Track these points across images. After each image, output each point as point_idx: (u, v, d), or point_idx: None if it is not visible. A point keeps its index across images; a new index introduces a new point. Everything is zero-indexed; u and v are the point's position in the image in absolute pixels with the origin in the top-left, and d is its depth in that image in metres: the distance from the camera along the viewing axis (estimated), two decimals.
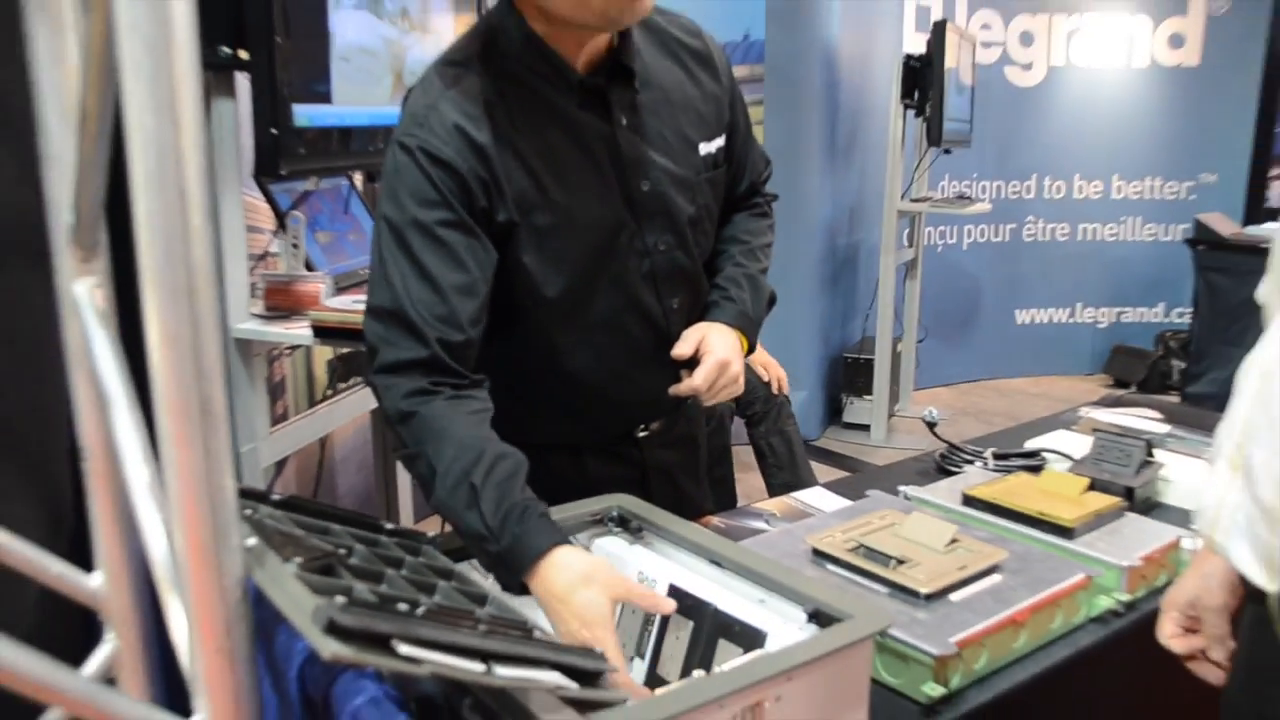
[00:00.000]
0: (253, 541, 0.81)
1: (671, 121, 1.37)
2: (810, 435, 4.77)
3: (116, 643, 1.06)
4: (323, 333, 1.80)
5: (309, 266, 2.08)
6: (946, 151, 4.57)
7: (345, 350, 2.60)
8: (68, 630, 1.17)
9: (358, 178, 2.44)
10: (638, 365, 1.41)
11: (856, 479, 1.84)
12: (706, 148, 1.41)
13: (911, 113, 4.49)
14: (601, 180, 1.32)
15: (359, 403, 2.47)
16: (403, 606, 0.73)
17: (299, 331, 1.86)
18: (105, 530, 1.03)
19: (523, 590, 1.09)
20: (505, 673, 0.75)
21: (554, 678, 0.79)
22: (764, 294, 1.49)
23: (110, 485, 1.01)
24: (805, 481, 3.11)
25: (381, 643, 0.69)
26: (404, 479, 2.53)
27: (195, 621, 0.75)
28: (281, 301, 1.95)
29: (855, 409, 4.93)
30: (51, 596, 1.06)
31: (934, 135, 4.36)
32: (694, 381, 1.33)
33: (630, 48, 1.32)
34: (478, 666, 0.73)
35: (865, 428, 4.88)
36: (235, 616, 0.74)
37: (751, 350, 1.45)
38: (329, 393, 2.79)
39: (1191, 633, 1.10)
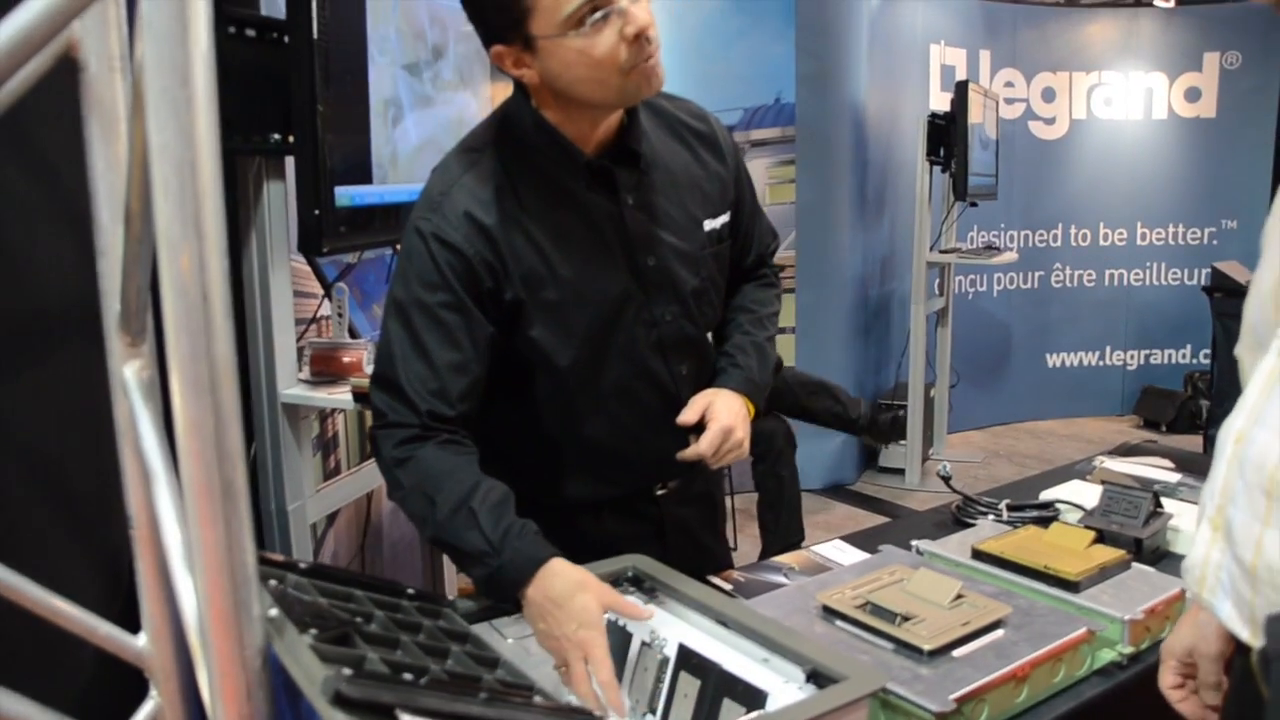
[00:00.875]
0: (274, 612, 0.87)
1: (677, 200, 1.44)
2: (846, 480, 4.84)
3: (159, 699, 1.14)
4: (362, 399, 1.89)
5: (354, 334, 2.18)
6: (972, 204, 4.64)
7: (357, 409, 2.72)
8: (122, 686, 1.24)
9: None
10: (650, 428, 1.48)
11: (875, 531, 1.88)
12: (711, 224, 1.48)
13: (938, 168, 4.56)
14: (609, 256, 1.40)
15: None
16: (408, 676, 0.79)
17: (342, 396, 1.95)
18: (150, 594, 1.10)
19: (515, 607, 1.21)
20: None
21: None
22: (770, 360, 1.55)
23: (153, 552, 1.08)
24: (787, 523, 3.36)
25: (386, 712, 0.75)
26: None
27: (217, 688, 0.80)
28: (326, 368, 2.06)
29: (890, 454, 4.97)
30: (107, 655, 1.13)
31: (959, 190, 4.43)
32: (699, 448, 1.39)
33: (637, 132, 1.40)
34: None
35: (900, 472, 4.93)
36: (255, 683, 0.80)
37: (758, 414, 1.50)
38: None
39: (1190, 678, 1.12)
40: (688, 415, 1.42)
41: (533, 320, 1.38)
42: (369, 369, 1.96)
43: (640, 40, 1.26)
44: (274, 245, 1.85)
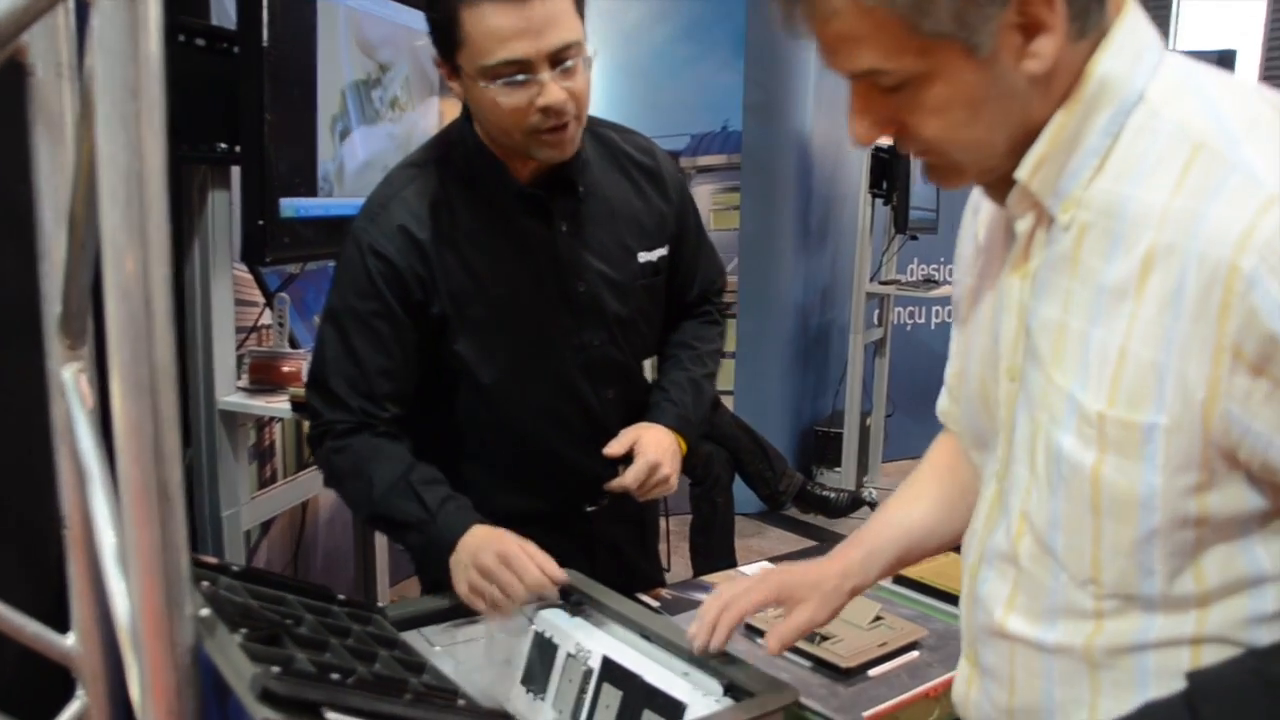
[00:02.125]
0: (206, 612, 0.89)
1: (612, 230, 1.49)
2: (768, 508, 4.88)
3: (86, 700, 1.14)
4: (300, 408, 1.91)
5: (294, 344, 2.19)
6: (913, 238, 4.74)
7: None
8: (47, 686, 1.24)
9: None
10: (576, 448, 1.52)
11: (801, 555, 1.93)
12: (646, 256, 1.52)
13: (880, 201, 4.66)
14: (539, 279, 1.45)
15: None
16: (335, 676, 0.81)
17: (280, 405, 1.96)
18: (80, 594, 1.11)
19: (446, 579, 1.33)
20: None
21: None
22: (706, 397, 1.57)
23: (85, 553, 1.09)
24: (718, 547, 3.44)
25: (312, 710, 0.77)
26: (380, 542, 2.60)
27: (147, 685, 0.82)
28: (265, 376, 2.07)
29: (825, 480, 5.01)
30: (31, 654, 1.13)
31: (900, 223, 4.53)
32: (624, 480, 1.43)
33: (576, 162, 1.44)
34: None
35: None
36: (185, 681, 0.81)
37: (689, 451, 1.53)
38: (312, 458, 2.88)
39: None
40: (614, 447, 1.46)
41: (458, 335, 1.43)
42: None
43: (549, 112, 1.31)
44: (217, 253, 1.86)
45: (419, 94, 2.37)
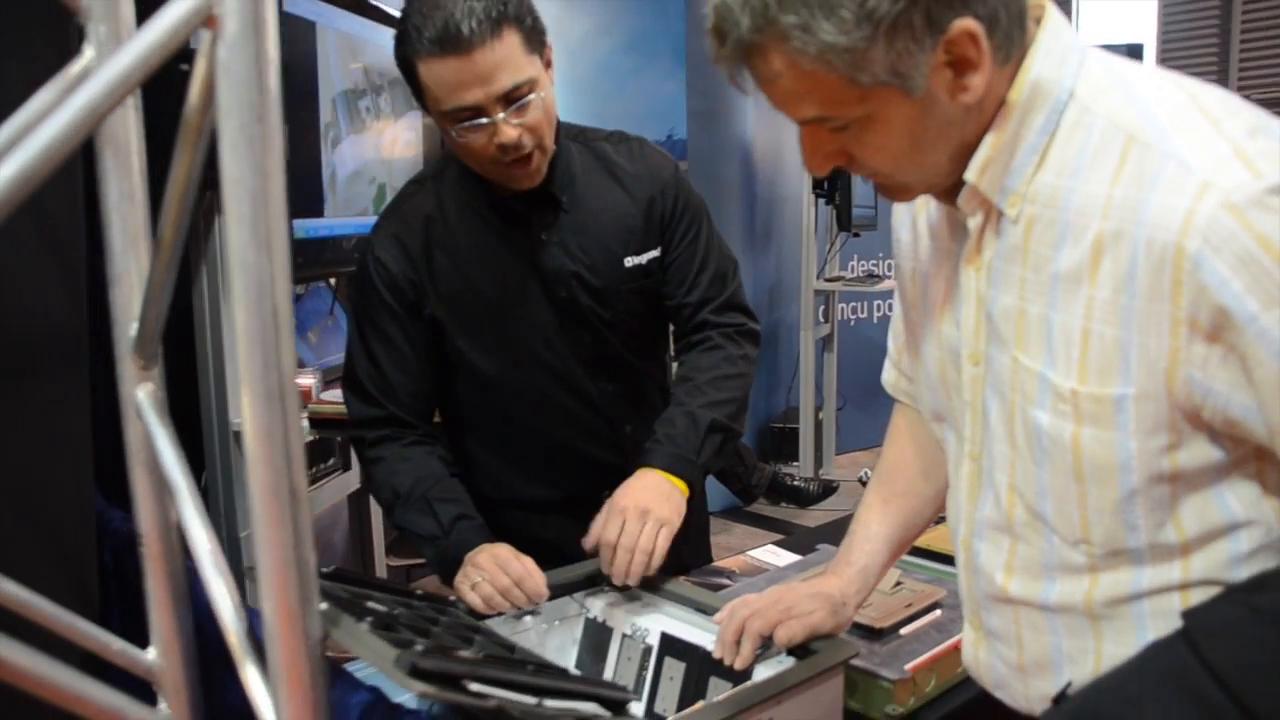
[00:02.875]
0: (324, 606, 0.94)
1: (598, 238, 1.57)
2: (742, 502, 4.98)
3: (168, 712, 1.17)
4: (316, 424, 1.94)
5: (300, 363, 2.22)
6: (856, 235, 4.89)
7: (312, 437, 2.73)
8: None
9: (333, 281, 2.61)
10: (583, 439, 1.62)
11: (802, 536, 2.01)
12: (635, 260, 1.59)
13: (822, 201, 4.80)
14: (526, 285, 1.54)
15: (338, 487, 2.58)
16: (463, 652, 0.88)
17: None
18: (160, 608, 1.14)
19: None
20: (554, 704, 0.89)
21: (591, 708, 0.93)
22: (701, 426, 1.51)
23: (165, 566, 1.12)
24: (694, 547, 3.34)
25: (454, 682, 0.83)
26: (378, 553, 2.64)
27: (282, 677, 0.86)
28: None
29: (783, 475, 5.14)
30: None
31: (844, 221, 4.68)
32: (592, 535, 1.41)
33: (558, 177, 1.53)
34: (532, 700, 0.87)
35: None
36: (317, 672, 0.87)
37: (692, 489, 1.49)
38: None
39: None
40: (587, 542, 1.42)
41: (457, 333, 1.54)
42: (319, 396, 2.01)
43: (506, 150, 1.39)
44: (225, 276, 1.88)
45: (400, 108, 2.42)
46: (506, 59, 1.34)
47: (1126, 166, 0.82)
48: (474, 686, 0.82)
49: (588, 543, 1.41)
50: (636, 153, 1.65)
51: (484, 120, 1.36)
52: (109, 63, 0.76)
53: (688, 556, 1.75)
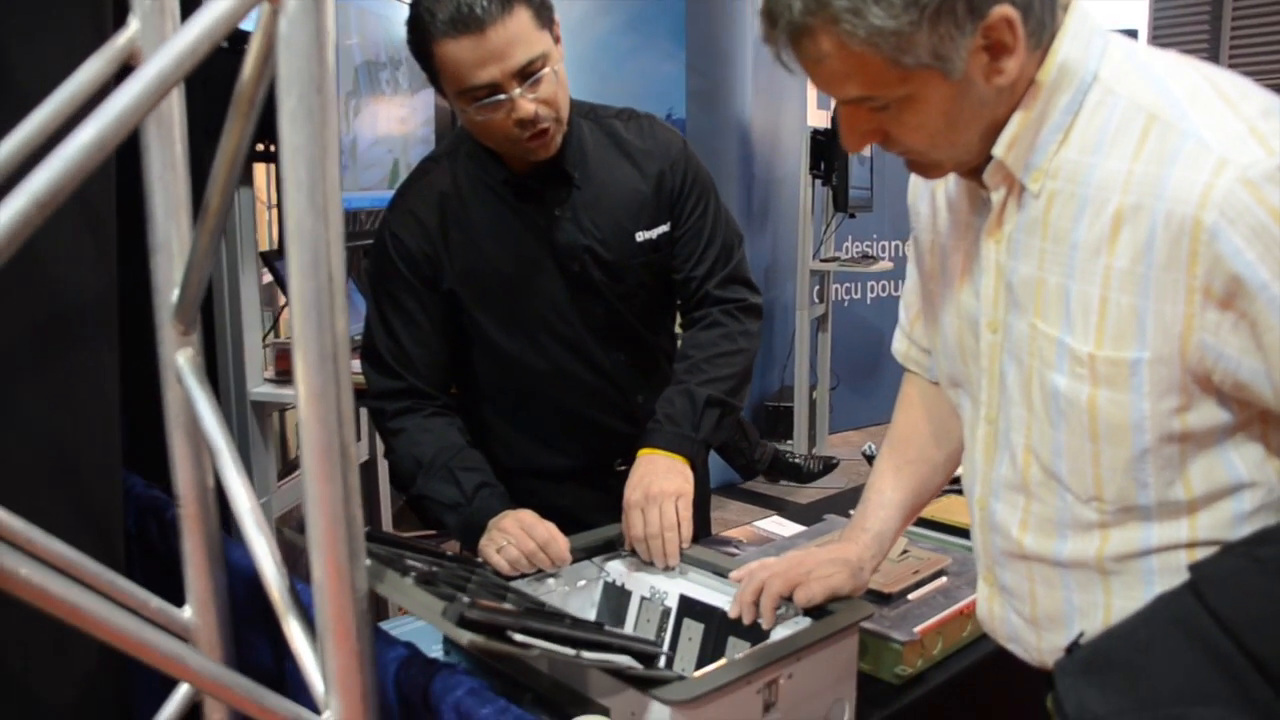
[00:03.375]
0: (369, 563, 0.98)
1: (609, 213, 1.60)
2: (737, 479, 5.03)
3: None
4: None
5: None
6: (851, 216, 4.93)
7: None
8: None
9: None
10: (595, 408, 1.66)
11: (808, 508, 2.06)
12: (645, 235, 1.63)
13: (819, 182, 4.84)
14: (538, 260, 1.58)
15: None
16: (508, 605, 0.91)
17: None
18: (196, 568, 1.18)
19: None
20: (591, 656, 0.93)
21: (625, 660, 0.98)
22: (699, 403, 1.55)
23: (202, 528, 1.16)
24: (696, 521, 3.38)
25: (499, 633, 0.87)
26: (386, 524, 2.67)
27: (330, 628, 0.90)
28: (286, 366, 2.10)
29: None
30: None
31: (840, 202, 4.71)
32: (627, 540, 1.45)
33: (570, 153, 1.57)
34: (570, 651, 0.91)
35: None
36: (363, 622, 0.90)
37: (693, 464, 1.54)
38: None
39: None
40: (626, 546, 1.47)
41: (473, 306, 1.58)
42: None
43: (524, 125, 1.43)
44: (243, 249, 1.92)
45: (416, 85, 2.45)
46: (519, 35, 1.37)
47: (1147, 144, 0.87)
48: (518, 637, 0.86)
49: (627, 547, 1.45)
50: (646, 129, 1.68)
51: (501, 97, 1.39)
52: (170, 41, 0.79)
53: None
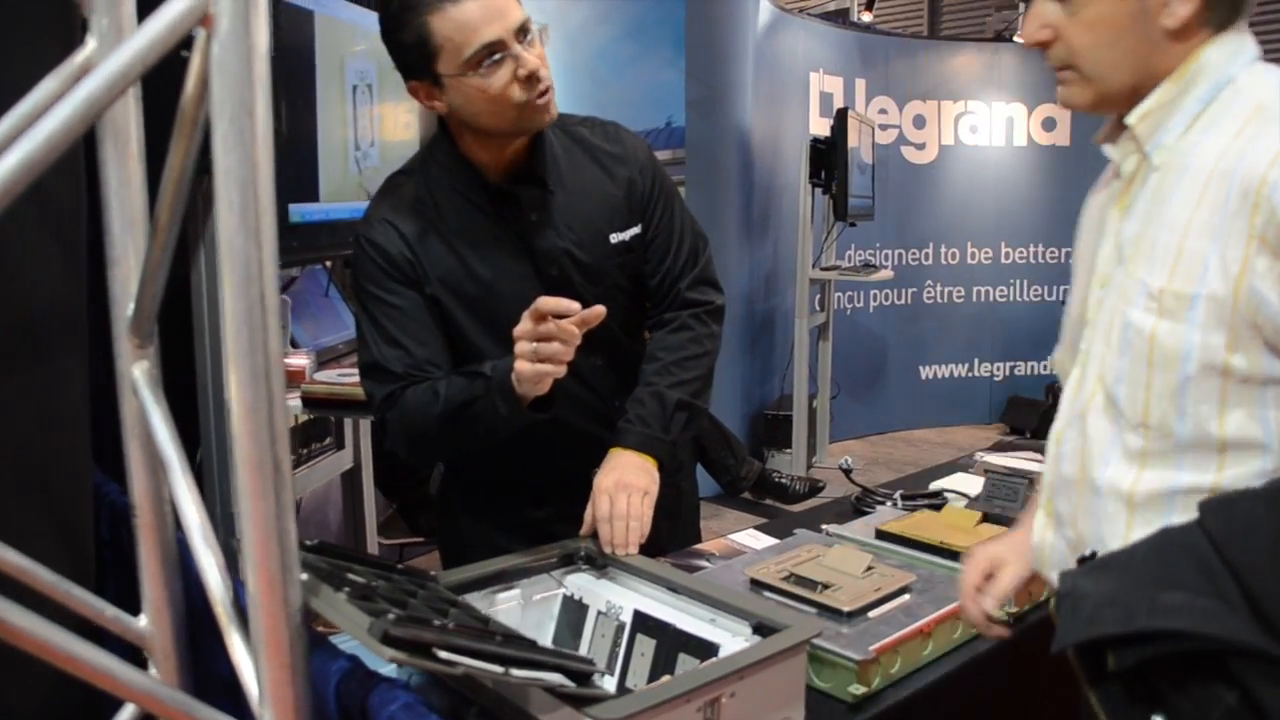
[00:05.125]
0: (305, 576, 0.99)
1: (583, 216, 1.62)
2: (728, 494, 5.03)
3: (158, 676, 1.22)
4: (311, 404, 1.99)
5: (294, 344, 2.27)
6: (852, 224, 4.94)
7: (307, 416, 2.78)
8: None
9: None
10: (575, 414, 1.65)
11: (783, 521, 2.06)
12: (619, 237, 1.65)
13: (819, 190, 4.84)
14: (516, 264, 1.59)
15: (331, 466, 2.63)
16: (437, 622, 0.92)
17: (290, 403, 2.04)
18: (151, 577, 1.19)
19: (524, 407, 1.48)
20: (520, 674, 0.94)
21: (557, 678, 0.98)
22: (669, 405, 1.62)
23: (157, 537, 1.18)
24: (684, 531, 3.39)
25: (424, 650, 0.87)
26: (370, 532, 2.69)
27: (263, 642, 0.91)
28: None
29: (776, 461, 5.18)
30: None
31: (840, 210, 4.72)
32: (587, 520, 1.51)
33: (542, 158, 1.59)
34: (498, 669, 0.92)
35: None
36: (296, 637, 0.91)
37: (662, 465, 1.61)
38: (292, 458, 2.93)
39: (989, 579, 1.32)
40: (584, 529, 1.52)
41: (455, 311, 1.59)
42: (313, 376, 2.06)
43: (531, 80, 1.46)
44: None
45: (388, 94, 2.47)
46: None
47: (1249, 127, 1.01)
48: (443, 654, 0.86)
49: (584, 530, 1.50)
50: (612, 135, 1.71)
51: (505, 55, 1.43)
52: (108, 58, 0.80)
53: (666, 538, 1.80)
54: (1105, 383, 1.11)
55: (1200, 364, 1.01)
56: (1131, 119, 1.09)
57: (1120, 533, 1.09)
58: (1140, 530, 1.05)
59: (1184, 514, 1.01)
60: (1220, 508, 0.91)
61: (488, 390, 1.47)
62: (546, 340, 1.38)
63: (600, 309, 1.39)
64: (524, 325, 1.40)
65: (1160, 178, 1.07)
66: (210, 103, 0.83)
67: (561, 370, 1.41)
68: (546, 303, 1.38)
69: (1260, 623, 0.83)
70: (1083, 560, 1.01)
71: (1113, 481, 1.10)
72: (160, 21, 0.80)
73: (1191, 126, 1.06)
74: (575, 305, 1.38)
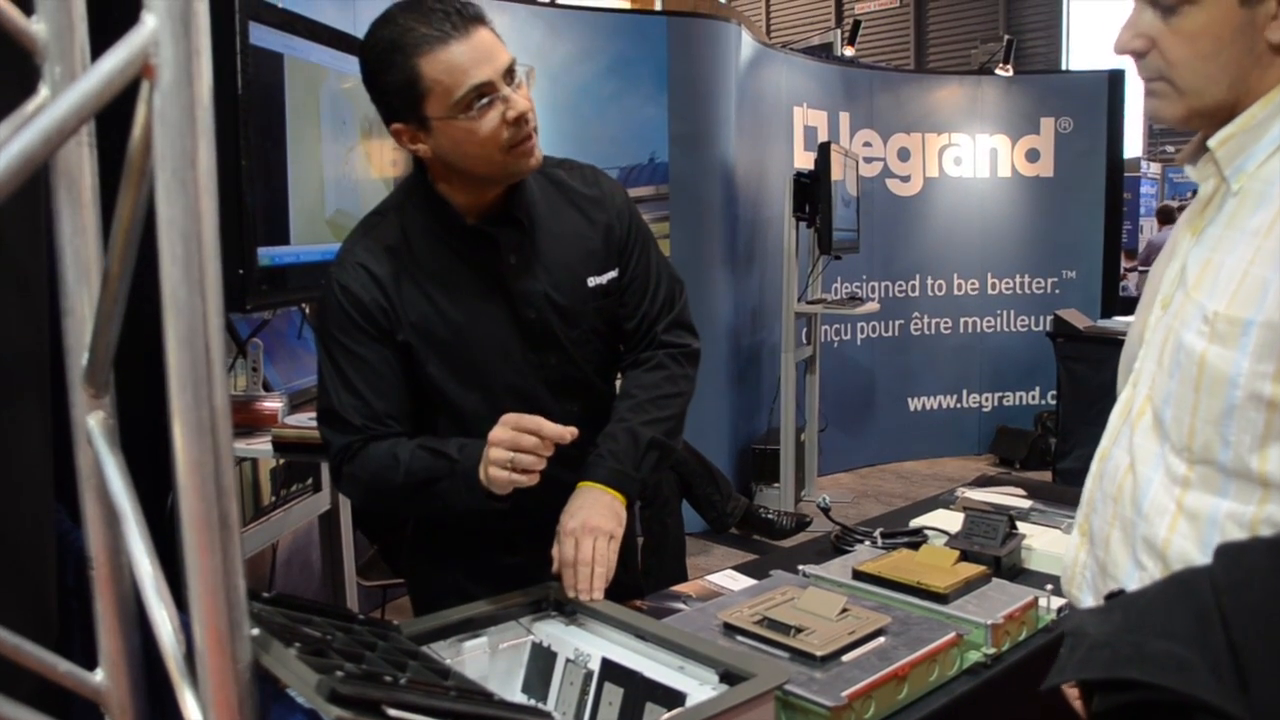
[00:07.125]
0: (256, 631, 0.97)
1: (561, 259, 1.61)
2: (714, 530, 5.01)
3: None
4: (282, 447, 1.97)
5: (266, 387, 2.25)
6: (837, 257, 4.94)
7: (277, 462, 2.76)
8: None
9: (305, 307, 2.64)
10: (552, 460, 1.62)
11: (763, 561, 2.04)
12: (596, 280, 1.64)
13: (804, 224, 4.85)
14: (493, 307, 1.58)
15: (309, 508, 2.61)
16: (389, 678, 0.90)
17: (260, 446, 2.03)
18: (108, 631, 1.16)
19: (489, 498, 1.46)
20: None
21: None
22: (642, 443, 1.60)
23: (114, 590, 1.15)
24: (670, 568, 3.46)
25: (373, 708, 0.86)
26: (349, 574, 2.66)
27: (211, 701, 0.89)
28: (242, 419, 2.12)
29: (764, 496, 5.16)
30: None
31: (824, 244, 4.72)
32: (556, 562, 1.50)
33: (521, 200, 1.58)
34: None
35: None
36: (246, 694, 0.89)
37: (631, 502, 1.59)
38: (273, 499, 2.91)
39: None
40: (556, 565, 1.51)
41: (427, 359, 1.56)
42: (285, 419, 2.04)
43: (520, 122, 1.45)
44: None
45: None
46: (494, 40, 1.45)
47: None
48: (393, 713, 0.84)
49: (555, 568, 1.49)
50: (590, 179, 1.70)
51: (494, 97, 1.43)
52: (44, 112, 0.79)
53: (654, 575, 1.80)
54: (1154, 402, 1.11)
55: (1246, 392, 0.99)
56: (1213, 142, 1.06)
57: (1153, 568, 1.08)
58: (1176, 563, 1.05)
59: (1223, 538, 1.01)
60: (1230, 554, 0.89)
61: (452, 474, 1.46)
62: (525, 452, 1.37)
63: (573, 430, 1.40)
64: (503, 433, 1.39)
65: (1237, 204, 1.05)
66: (153, 154, 0.83)
67: (535, 480, 1.40)
68: (525, 421, 1.38)
69: (1236, 675, 0.82)
70: (1110, 596, 0.99)
71: (1155, 502, 1.08)
72: (96, 75, 0.80)
73: (1275, 154, 1.03)
74: (549, 425, 1.38)
